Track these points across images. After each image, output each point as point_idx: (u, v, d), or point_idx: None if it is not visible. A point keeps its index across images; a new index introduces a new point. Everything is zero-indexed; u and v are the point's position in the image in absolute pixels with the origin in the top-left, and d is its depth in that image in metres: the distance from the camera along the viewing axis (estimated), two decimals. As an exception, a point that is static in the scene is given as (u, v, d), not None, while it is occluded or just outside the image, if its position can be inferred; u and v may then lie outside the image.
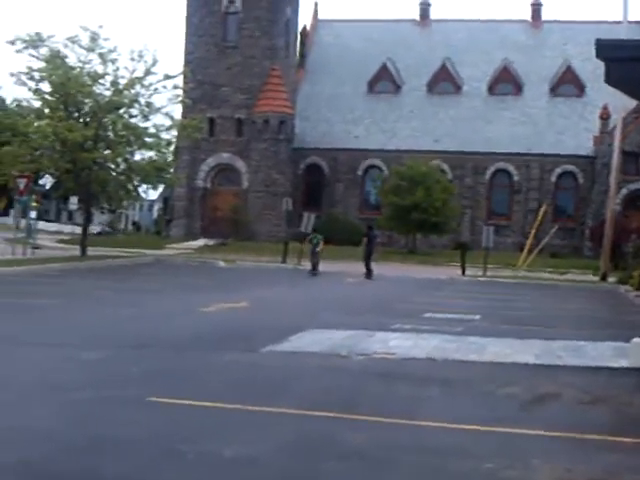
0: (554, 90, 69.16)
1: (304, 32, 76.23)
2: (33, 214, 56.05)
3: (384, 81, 72.29)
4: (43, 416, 9.46)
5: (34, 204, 54.01)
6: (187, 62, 64.19)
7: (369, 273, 38.38)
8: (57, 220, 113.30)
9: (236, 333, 17.01)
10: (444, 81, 71.38)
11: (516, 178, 66.83)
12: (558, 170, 66.30)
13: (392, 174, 61.99)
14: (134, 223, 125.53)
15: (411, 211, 56.41)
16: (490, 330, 18.81)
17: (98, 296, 24.89)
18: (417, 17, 78.61)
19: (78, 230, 59.34)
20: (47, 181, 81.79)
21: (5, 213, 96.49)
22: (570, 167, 66.11)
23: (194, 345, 15.30)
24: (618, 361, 14.29)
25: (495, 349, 15.34)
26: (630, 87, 13.14)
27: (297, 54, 74.07)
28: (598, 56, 11.49)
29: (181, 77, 46.77)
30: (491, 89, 70.53)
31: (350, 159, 68.39)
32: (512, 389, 11.79)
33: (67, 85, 41.14)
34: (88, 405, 10.13)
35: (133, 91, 42.93)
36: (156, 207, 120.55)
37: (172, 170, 56.23)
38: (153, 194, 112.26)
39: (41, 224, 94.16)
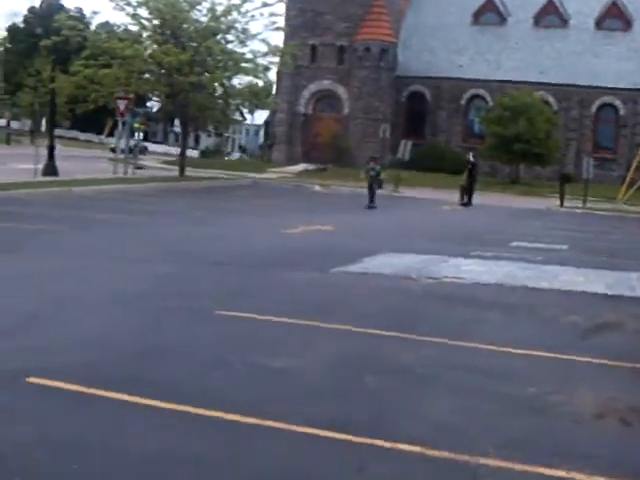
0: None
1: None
2: (138, 135, 57.10)
3: (490, 12, 70.71)
4: (114, 326, 9.83)
5: (138, 125, 54.95)
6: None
7: (469, 201, 38.19)
8: (164, 142, 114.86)
9: (313, 254, 17.23)
10: (551, 14, 69.56)
11: (622, 112, 65.07)
12: (665, 105, 64.48)
13: (495, 104, 61.24)
14: (241, 147, 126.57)
15: (514, 141, 55.65)
16: (572, 260, 18.69)
17: (188, 215, 25.34)
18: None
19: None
20: (154, 104, 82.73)
21: (113, 134, 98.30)
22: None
23: (269, 264, 15.58)
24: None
25: (567, 278, 15.24)
26: None
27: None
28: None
29: (279, 4, 46.69)
30: (599, 24, 68.45)
31: (454, 88, 67.53)
32: (574, 317, 11.73)
33: (164, 10, 41.50)
34: (158, 315, 10.53)
35: (230, 17, 43.08)
36: (262, 132, 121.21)
37: (271, 95, 56.53)
38: (259, 119, 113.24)
39: (148, 145, 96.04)
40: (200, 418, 6.75)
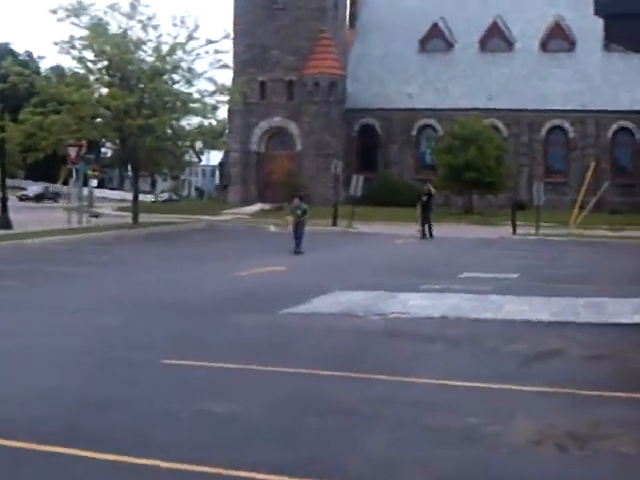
0: (608, 46, 67.97)
1: (354, -8, 75.69)
2: (94, 182, 56.93)
3: (436, 39, 71.71)
4: (62, 377, 9.95)
5: (91, 172, 54.85)
6: (235, 25, 64.73)
7: (428, 233, 38.45)
8: (121, 188, 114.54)
9: (262, 296, 17.33)
10: (496, 38, 70.67)
11: (572, 135, 66.16)
12: (614, 126, 65.53)
13: (445, 133, 61.81)
14: (197, 189, 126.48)
15: (465, 170, 56.06)
16: (521, 289, 18.87)
17: (140, 263, 25.39)
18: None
19: (140, 197, 59.88)
20: (107, 150, 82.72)
21: (67, 183, 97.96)
22: (626, 123, 65.27)
23: (217, 307, 15.72)
24: (633, 317, 14.31)
25: (512, 307, 15.45)
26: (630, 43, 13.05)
27: (347, 14, 73.60)
28: (597, 14, 11.47)
29: (224, 41, 46.93)
30: (544, 46, 69.69)
31: (404, 119, 68.05)
32: (517, 346, 11.93)
33: (109, 52, 41.67)
34: (104, 367, 10.62)
35: (175, 57, 43.27)
36: (217, 173, 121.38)
37: (222, 135, 56.70)
38: (214, 159, 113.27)
39: (105, 192, 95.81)
40: (140, 468, 6.82)
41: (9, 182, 47.81)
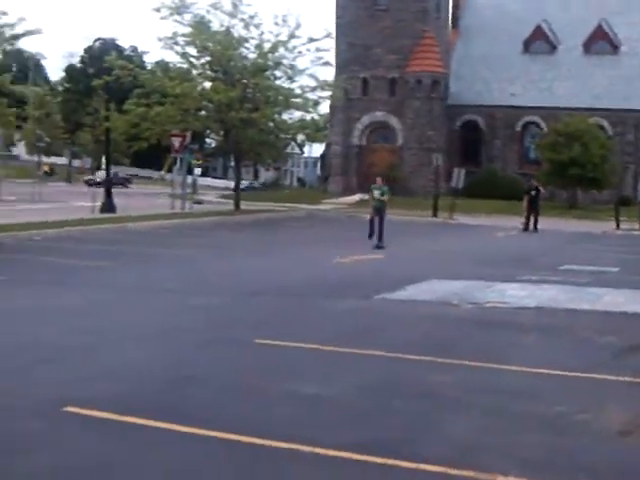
0: None
1: (457, -5, 75.68)
2: (197, 171, 57.83)
3: (539, 41, 71.20)
4: (153, 357, 10.16)
5: (196, 161, 55.75)
6: (338, 25, 65.04)
7: (533, 226, 38.20)
8: (224, 177, 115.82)
9: (359, 282, 17.42)
10: (601, 41, 69.78)
11: (679, 134, 64.94)
12: None
13: (550, 130, 61.21)
14: (299, 179, 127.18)
15: (569, 166, 55.55)
16: (620, 282, 18.62)
17: (239, 247, 25.67)
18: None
19: (243, 185, 60.50)
20: (212, 140, 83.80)
21: (171, 171, 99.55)
22: None
23: (314, 292, 15.88)
24: None
25: (609, 299, 15.25)
26: None
27: (449, 16, 73.39)
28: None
29: (325, 40, 47.13)
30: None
31: (507, 116, 67.73)
32: (611, 337, 11.78)
33: (212, 48, 42.21)
34: (200, 345, 10.82)
35: (277, 54, 43.63)
36: (319, 164, 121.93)
37: (323, 129, 56.99)
38: (317, 151, 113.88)
39: (208, 180, 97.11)
40: (232, 444, 6.97)
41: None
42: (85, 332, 11.37)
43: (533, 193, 39.64)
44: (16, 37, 24.90)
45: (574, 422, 7.82)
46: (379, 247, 26.04)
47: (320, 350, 10.56)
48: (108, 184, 39.73)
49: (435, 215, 45.30)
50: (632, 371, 9.83)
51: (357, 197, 61.71)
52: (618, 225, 41.65)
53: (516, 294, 15.65)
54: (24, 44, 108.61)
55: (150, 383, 8.83)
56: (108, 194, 38.44)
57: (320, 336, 11.42)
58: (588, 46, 69.80)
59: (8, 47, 29.36)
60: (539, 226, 38.64)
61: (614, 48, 69.32)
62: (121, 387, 8.58)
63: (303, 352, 10.53)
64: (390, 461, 6.58)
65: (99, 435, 7.17)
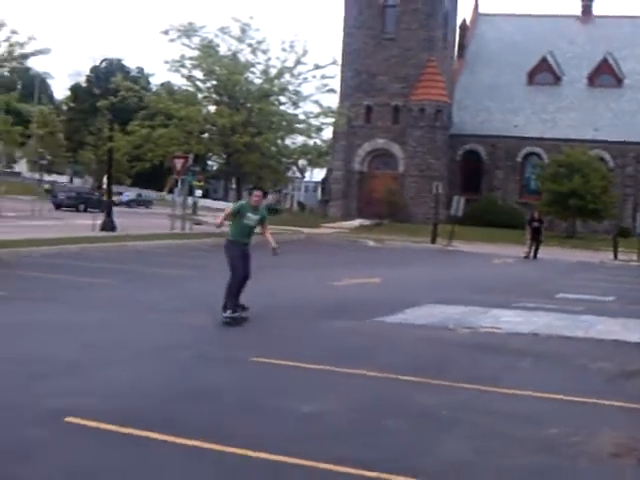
0: None
1: (464, 25, 76.94)
2: (198, 192, 57.96)
3: (544, 72, 72.00)
4: (151, 373, 10.27)
5: (197, 183, 55.90)
6: (344, 53, 65.59)
7: (533, 254, 38.65)
8: (225, 199, 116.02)
9: (355, 305, 17.51)
10: (605, 74, 70.51)
11: (680, 168, 65.38)
12: None
13: (551, 161, 61.67)
14: (299, 203, 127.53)
15: (569, 197, 56.21)
16: (615, 310, 18.78)
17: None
18: (579, 13, 78.28)
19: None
20: (214, 163, 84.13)
21: (172, 192, 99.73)
22: None
23: (310, 313, 15.98)
24: None
25: (604, 327, 15.36)
26: None
27: (455, 46, 74.13)
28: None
29: (331, 67, 47.50)
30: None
31: (509, 146, 68.25)
32: (604, 364, 11.87)
33: (218, 72, 42.51)
34: (195, 363, 10.93)
35: (283, 80, 43.91)
36: (320, 188, 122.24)
37: (325, 154, 57.34)
38: (317, 176, 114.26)
39: (209, 202, 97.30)
40: (229, 456, 7.09)
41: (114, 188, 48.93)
42: (85, 347, 11.48)
43: (535, 224, 39.97)
44: (25, 56, 25.04)
45: (567, 444, 7.89)
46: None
47: (315, 369, 10.66)
48: (109, 203, 39.91)
49: (434, 241, 45.48)
50: (625, 396, 9.91)
51: (357, 222, 61.99)
52: (616, 256, 41.83)
53: (511, 320, 15.78)
54: (31, 62, 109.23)
55: (149, 397, 8.93)
56: (108, 213, 38.59)
57: (315, 355, 11.53)
58: (593, 79, 70.60)
59: (17, 66, 29.50)
60: (539, 255, 38.96)
61: (618, 81, 69.99)
62: (121, 400, 8.69)
63: (298, 371, 10.62)
64: (384, 475, 6.69)
65: (99, 445, 7.27)
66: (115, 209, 41.25)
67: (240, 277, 14.61)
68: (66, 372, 9.92)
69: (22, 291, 17.55)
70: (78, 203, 60.31)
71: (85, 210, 59.16)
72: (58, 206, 41.61)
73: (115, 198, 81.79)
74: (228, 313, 14.08)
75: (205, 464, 6.95)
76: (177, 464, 6.89)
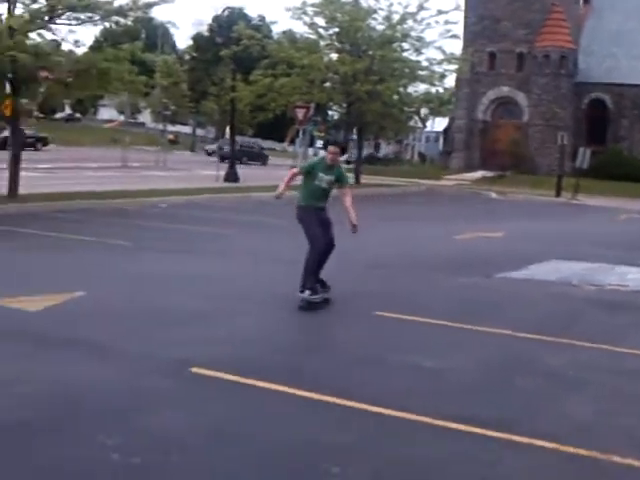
0: None
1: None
2: (319, 143, 58.13)
3: (674, 18, 69.16)
4: (275, 324, 10.48)
5: (318, 133, 56.08)
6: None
7: None
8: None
9: (479, 260, 17.37)
10: None
11: None
12: None
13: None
14: (420, 154, 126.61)
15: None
16: None
17: (360, 221, 25.70)
18: None
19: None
20: (335, 113, 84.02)
21: (294, 142, 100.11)
22: None
23: (433, 268, 15.91)
24: None
25: None
26: None
27: (580, -10, 71.98)
28: None
29: (454, 12, 46.73)
30: None
31: (636, 95, 65.96)
32: None
33: (340, 19, 42.28)
34: (319, 315, 11.05)
35: (406, 26, 43.41)
36: (441, 139, 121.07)
37: (446, 102, 56.66)
38: (439, 126, 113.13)
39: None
40: (346, 409, 7.15)
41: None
42: (208, 298, 11.67)
43: None
44: (149, 5, 25.26)
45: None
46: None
47: (439, 325, 10.65)
48: (232, 154, 40.40)
49: (558, 195, 44.70)
50: None
51: (479, 174, 61.27)
52: None
53: (637, 277, 15.45)
54: (155, 12, 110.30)
55: (270, 348, 9.06)
56: (231, 164, 39.07)
57: (439, 311, 11.50)
58: None
59: (141, 15, 29.86)
60: None
61: None
62: (243, 351, 8.84)
63: (422, 326, 10.62)
64: (505, 435, 6.67)
65: (223, 395, 7.44)
66: (205, 159, 41.47)
67: (321, 249, 11.99)
68: (189, 322, 10.10)
69: (147, 241, 17.91)
70: (241, 156, 61.16)
71: (246, 162, 60.11)
72: (223, 158, 42.47)
73: (207, 147, 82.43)
74: (307, 294, 11.36)
75: (324, 416, 7.04)
76: (299, 415, 7.03)
